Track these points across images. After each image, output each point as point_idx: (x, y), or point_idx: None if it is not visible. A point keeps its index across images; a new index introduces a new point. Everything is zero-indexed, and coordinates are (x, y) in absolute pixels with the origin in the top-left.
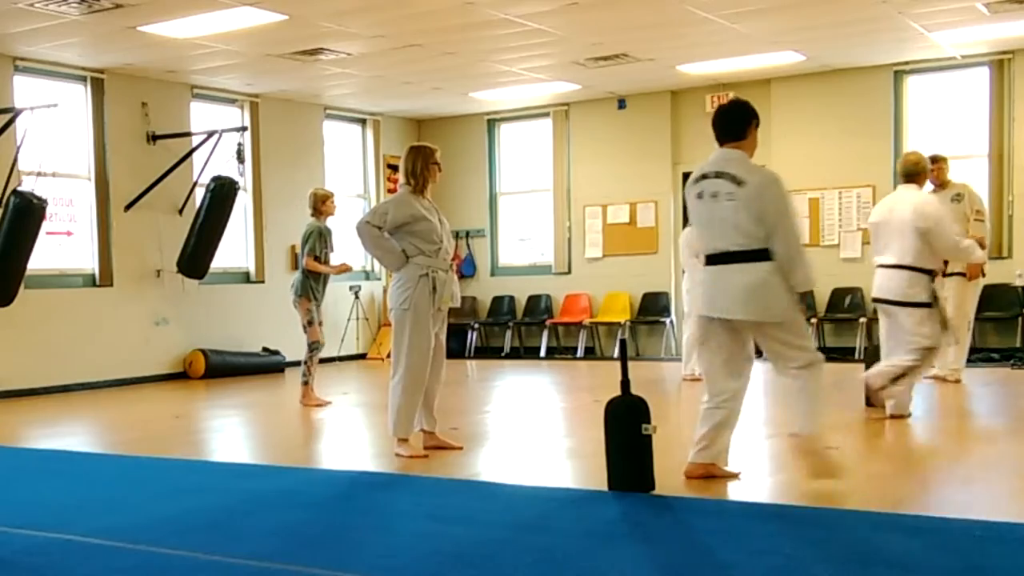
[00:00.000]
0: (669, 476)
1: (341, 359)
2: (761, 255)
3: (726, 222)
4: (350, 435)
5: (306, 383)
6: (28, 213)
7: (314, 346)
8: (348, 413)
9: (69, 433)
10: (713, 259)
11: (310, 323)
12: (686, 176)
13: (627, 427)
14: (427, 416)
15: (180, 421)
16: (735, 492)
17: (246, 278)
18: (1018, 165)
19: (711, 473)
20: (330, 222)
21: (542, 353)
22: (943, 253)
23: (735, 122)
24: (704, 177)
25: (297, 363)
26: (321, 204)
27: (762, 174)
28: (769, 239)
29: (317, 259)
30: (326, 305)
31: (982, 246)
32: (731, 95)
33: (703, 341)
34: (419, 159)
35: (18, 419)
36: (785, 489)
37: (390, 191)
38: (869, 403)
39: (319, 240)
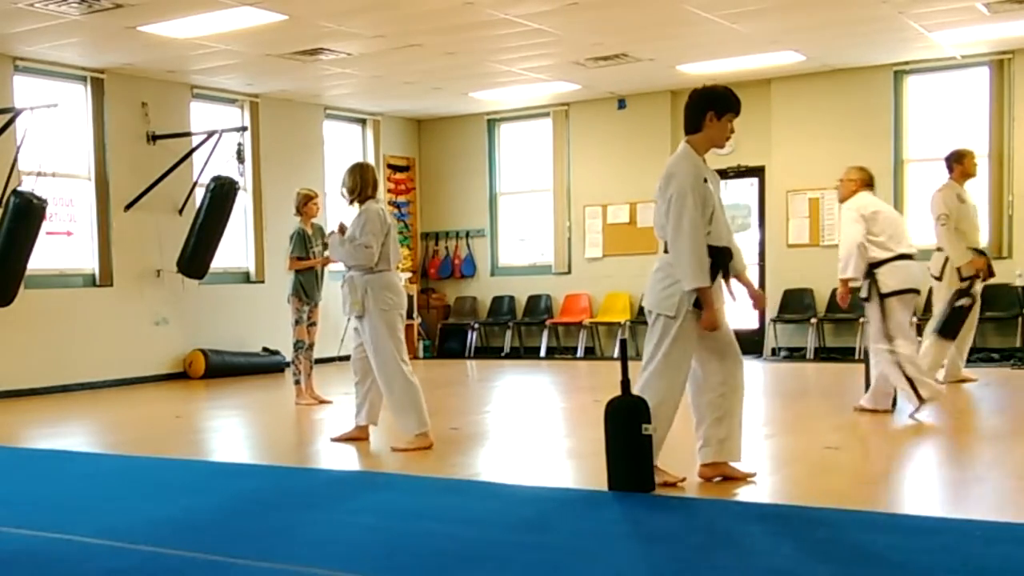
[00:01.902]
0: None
1: (341, 359)
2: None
3: (657, 214)
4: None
5: (297, 383)
6: (28, 213)
7: (298, 345)
8: (348, 413)
9: (69, 433)
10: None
11: (296, 322)
12: None
13: (627, 427)
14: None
15: (180, 421)
16: (735, 492)
17: (246, 278)
18: (1018, 165)
19: (723, 473)
20: (329, 220)
21: (542, 353)
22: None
23: (690, 113)
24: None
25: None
26: (303, 205)
27: (667, 165)
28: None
29: (302, 260)
30: (325, 305)
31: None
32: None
33: None
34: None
35: (18, 419)
36: (785, 489)
37: (390, 191)
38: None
39: (300, 242)
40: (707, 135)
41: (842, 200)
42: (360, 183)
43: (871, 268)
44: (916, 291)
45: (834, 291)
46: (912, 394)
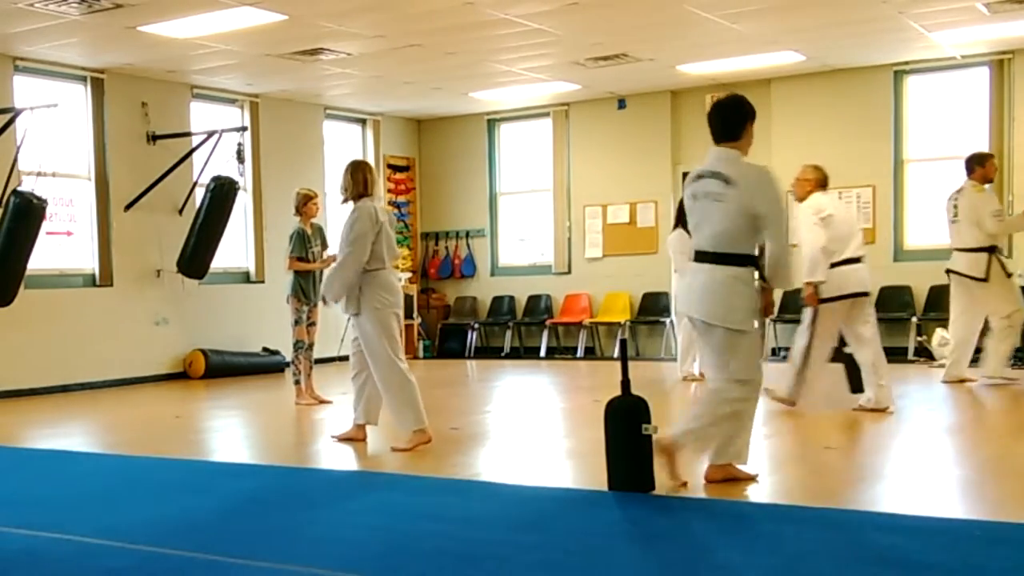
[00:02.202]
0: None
1: (341, 359)
2: (731, 259)
3: (710, 222)
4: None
5: (297, 383)
6: (28, 213)
7: (297, 345)
8: (348, 412)
9: (69, 433)
10: (695, 258)
11: (296, 322)
12: (686, 176)
13: (627, 427)
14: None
15: (180, 421)
16: (735, 492)
17: (246, 278)
18: (1018, 165)
19: (730, 475)
20: (330, 220)
21: (542, 353)
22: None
23: (731, 121)
24: (700, 177)
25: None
26: (303, 205)
27: (757, 172)
28: (762, 238)
29: (302, 260)
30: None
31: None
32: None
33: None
34: (370, 173)
35: (18, 419)
36: (785, 489)
37: (390, 191)
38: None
39: (300, 242)
40: (747, 140)
41: (799, 200)
42: (351, 182)
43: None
44: (862, 294)
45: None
46: (794, 389)
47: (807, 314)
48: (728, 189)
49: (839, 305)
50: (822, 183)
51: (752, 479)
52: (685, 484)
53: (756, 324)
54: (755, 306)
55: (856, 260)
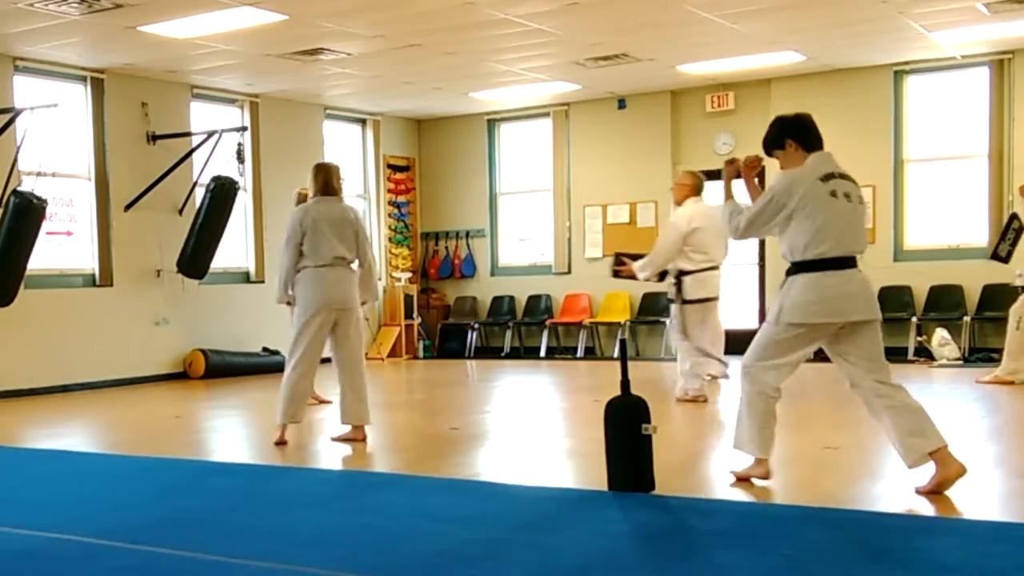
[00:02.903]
0: (669, 476)
1: None
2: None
3: (860, 225)
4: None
5: None
6: (28, 213)
7: None
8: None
9: (69, 433)
10: (843, 263)
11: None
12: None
13: (627, 427)
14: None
15: (180, 421)
16: (735, 492)
17: (246, 278)
18: (1018, 165)
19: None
20: None
21: (542, 353)
22: None
23: (817, 129)
24: (832, 176)
25: None
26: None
27: (840, 167)
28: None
29: None
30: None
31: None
32: (731, 95)
33: (794, 349)
34: (332, 175)
35: (18, 419)
36: (785, 489)
37: (390, 191)
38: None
39: None
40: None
41: (677, 203)
42: (311, 183)
43: (679, 276)
44: (716, 298)
45: None
46: (695, 384)
47: (674, 315)
48: (860, 193)
49: (699, 306)
50: (697, 189)
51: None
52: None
53: None
54: None
55: (715, 268)
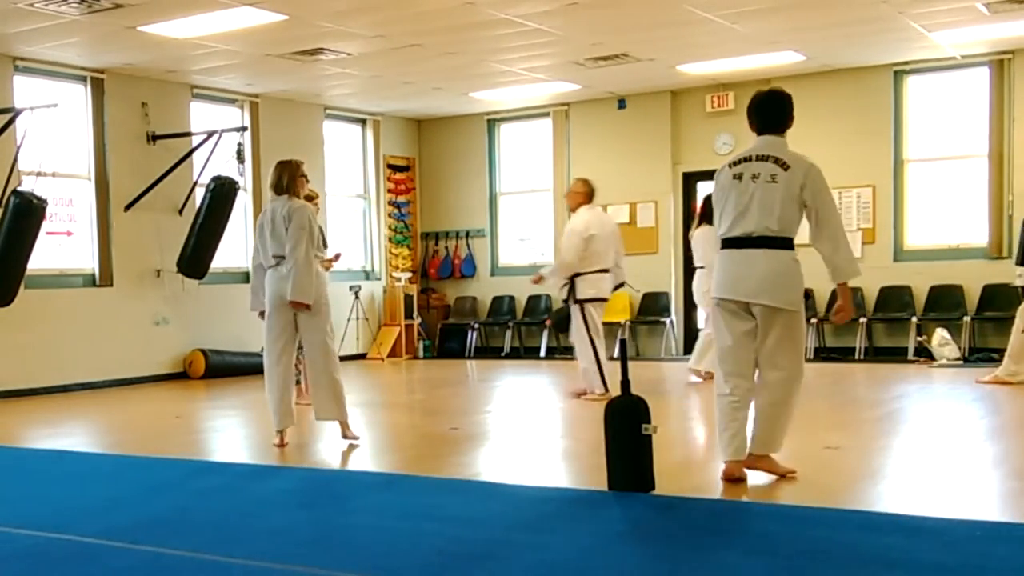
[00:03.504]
0: (669, 476)
1: (341, 359)
2: (786, 243)
3: (763, 205)
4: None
5: (298, 383)
6: (28, 213)
7: (298, 346)
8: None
9: (69, 433)
10: (739, 242)
11: None
12: (686, 176)
13: (627, 427)
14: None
15: (180, 421)
16: (735, 492)
17: (246, 278)
18: (1018, 165)
19: (769, 468)
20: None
21: (542, 353)
22: None
23: (780, 112)
24: (745, 160)
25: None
26: None
27: (809, 163)
28: (815, 226)
29: None
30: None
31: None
32: (731, 95)
33: (718, 327)
34: (291, 174)
35: (18, 419)
36: (785, 489)
37: (390, 191)
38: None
39: None
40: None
41: (571, 211)
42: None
43: (573, 277)
44: (606, 299)
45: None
46: (599, 382)
47: (576, 315)
48: (783, 172)
49: (600, 304)
50: (589, 196)
51: (790, 473)
52: (794, 472)
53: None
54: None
55: (606, 271)
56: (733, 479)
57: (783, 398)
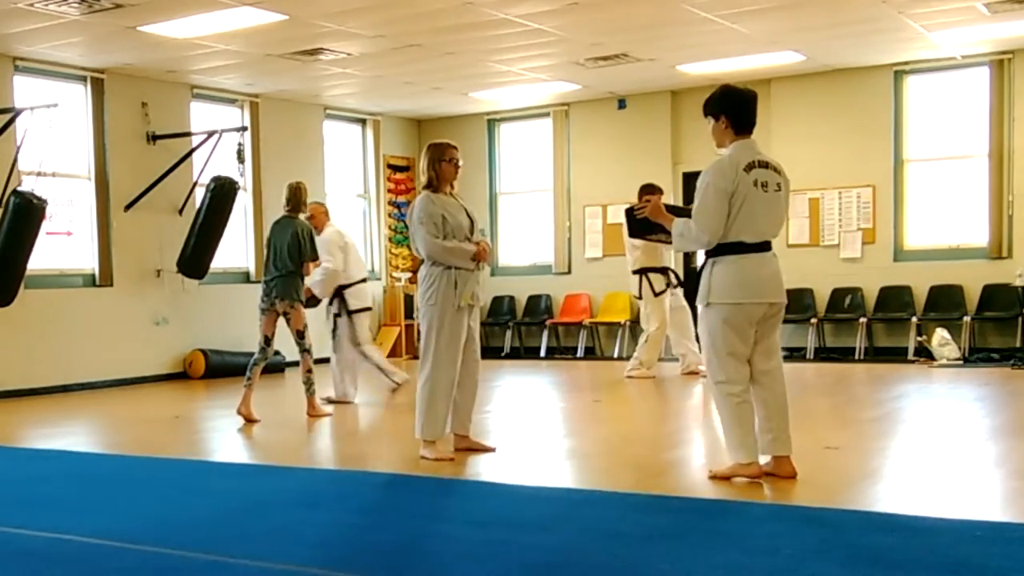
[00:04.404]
0: (668, 475)
1: None
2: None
3: (775, 214)
4: (350, 435)
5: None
6: (28, 213)
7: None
8: (348, 413)
9: (69, 433)
10: (758, 247)
11: (305, 327)
12: (686, 176)
13: None
14: (457, 418)
15: (180, 421)
16: (735, 492)
17: (246, 278)
18: (1018, 165)
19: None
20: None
21: (542, 353)
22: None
23: (754, 113)
24: (759, 166)
25: (296, 363)
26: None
27: (775, 163)
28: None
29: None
30: (324, 306)
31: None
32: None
33: (737, 329)
34: (427, 158)
35: (18, 419)
36: (785, 489)
37: (390, 191)
38: None
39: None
40: None
41: (319, 232)
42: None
43: (340, 289)
44: (370, 308)
45: (834, 291)
46: (389, 379)
47: (343, 325)
48: (782, 180)
49: (367, 313)
50: (329, 215)
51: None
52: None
53: None
54: None
55: (364, 281)
56: (760, 477)
57: (785, 385)
